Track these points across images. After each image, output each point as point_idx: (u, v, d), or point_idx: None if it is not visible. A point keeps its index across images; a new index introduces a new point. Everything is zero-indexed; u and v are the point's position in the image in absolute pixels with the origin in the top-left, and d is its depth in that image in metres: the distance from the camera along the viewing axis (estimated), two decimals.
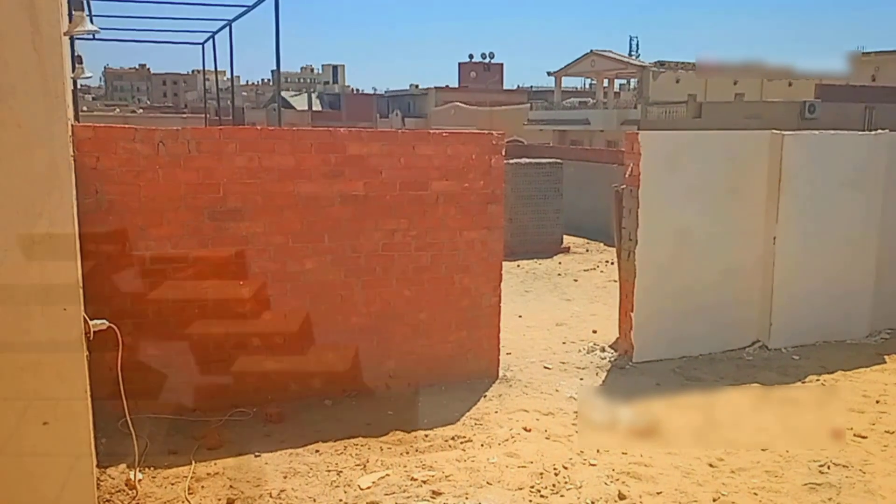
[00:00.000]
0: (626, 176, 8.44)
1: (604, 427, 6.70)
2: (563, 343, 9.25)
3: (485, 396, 7.34)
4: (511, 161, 15.34)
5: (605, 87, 53.93)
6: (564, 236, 16.30)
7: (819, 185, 9.03)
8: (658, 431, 6.50)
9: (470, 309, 7.63)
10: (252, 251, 6.75)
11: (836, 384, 7.92)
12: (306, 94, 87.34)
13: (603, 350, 8.84)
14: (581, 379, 7.96)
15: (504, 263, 13.35)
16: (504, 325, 9.32)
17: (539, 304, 11.35)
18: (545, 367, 8.28)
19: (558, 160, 15.88)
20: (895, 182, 9.48)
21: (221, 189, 6.59)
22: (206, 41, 19.24)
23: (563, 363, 8.43)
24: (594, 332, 9.74)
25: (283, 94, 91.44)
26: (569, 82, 68.23)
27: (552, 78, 56.06)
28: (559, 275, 13.52)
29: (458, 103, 60.99)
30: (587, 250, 15.94)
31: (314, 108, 77.56)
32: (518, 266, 14.06)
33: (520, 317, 10.41)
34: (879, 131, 9.42)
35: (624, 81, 63.08)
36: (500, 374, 7.91)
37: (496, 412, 6.94)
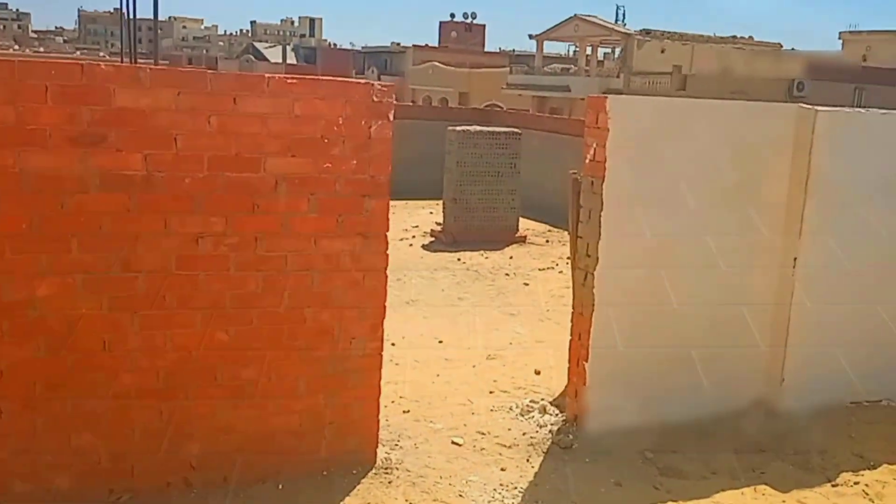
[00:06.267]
0: (587, 162, 5.66)
1: None
2: (491, 393, 6.51)
3: None
4: (457, 128, 12.52)
5: (588, 55, 51.54)
6: (522, 221, 13.52)
7: (861, 188, 6.30)
8: None
9: (331, 361, 4.86)
10: None
11: (883, 490, 5.26)
12: (281, 47, 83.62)
13: (544, 411, 6.12)
14: (503, 470, 5.23)
15: (441, 255, 10.44)
16: (414, 358, 6.67)
17: (472, 319, 8.59)
18: (453, 443, 5.54)
19: (516, 130, 13.00)
20: None
21: None
22: None
23: (482, 435, 5.70)
24: (537, 372, 7.02)
25: (258, 45, 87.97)
26: (552, 48, 65.47)
27: (534, 42, 53.24)
28: (507, 275, 10.73)
29: (436, 63, 58.29)
30: (547, 241, 13.16)
31: (289, 62, 74.42)
32: (458, 260, 11.26)
33: (440, 342, 7.67)
34: None
35: (608, 50, 60.60)
36: (381, 456, 5.19)
37: None
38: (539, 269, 11.13)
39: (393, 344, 7.37)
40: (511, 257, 11.82)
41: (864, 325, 6.56)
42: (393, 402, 6.10)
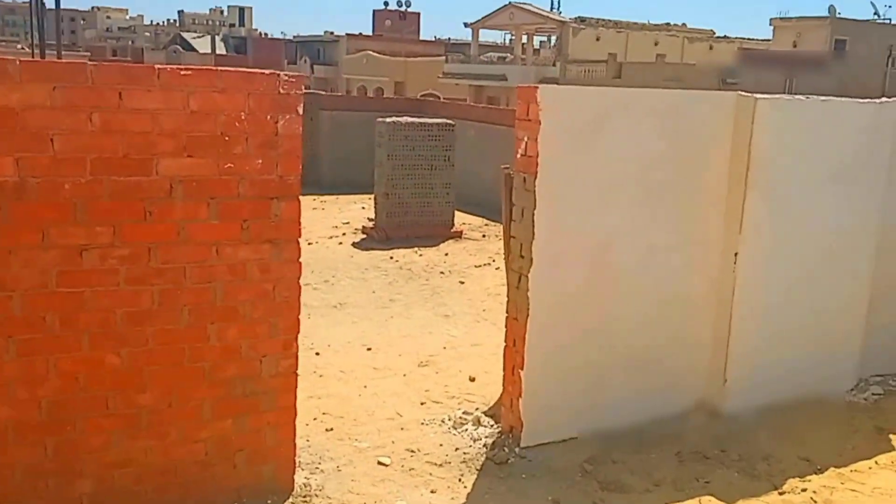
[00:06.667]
0: (518, 157, 5.28)
1: None
2: (422, 404, 6.11)
3: None
4: (387, 119, 12.06)
5: (523, 44, 51.33)
6: (458, 215, 13.13)
7: (802, 179, 6.06)
8: None
9: (239, 382, 4.40)
10: None
11: (832, 497, 5.02)
12: (210, 37, 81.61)
13: (478, 423, 5.74)
14: (433, 492, 4.83)
15: (373, 254, 10.03)
16: (339, 368, 6.25)
17: (404, 322, 8.17)
18: (380, 464, 5.13)
19: (449, 121, 12.57)
20: None
21: None
22: None
23: (411, 453, 5.29)
24: (472, 379, 6.64)
25: (186, 35, 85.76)
26: (487, 36, 65.31)
27: (470, 30, 52.86)
28: (442, 273, 10.32)
29: (370, 52, 57.52)
30: (484, 235, 12.78)
31: (218, 52, 72.78)
32: (391, 258, 10.79)
33: (369, 349, 7.23)
34: (885, 99, 6.49)
35: (544, 38, 60.61)
36: (299, 482, 4.75)
37: None
38: (475, 266, 10.75)
39: (317, 353, 6.95)
40: (446, 254, 11.41)
41: (807, 320, 6.34)
42: (315, 419, 5.67)
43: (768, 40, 49.68)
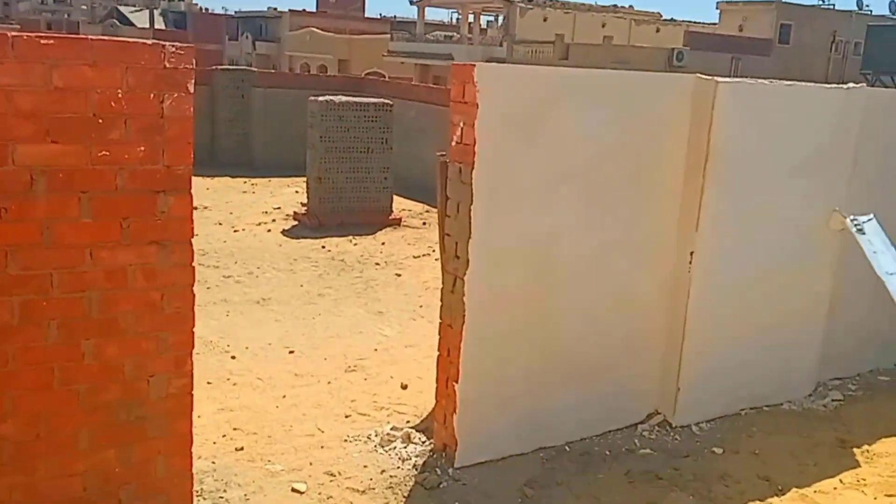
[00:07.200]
0: (453, 144, 4.68)
1: None
2: (347, 417, 5.50)
3: None
4: (319, 98, 11.34)
5: (470, 23, 50.69)
6: (397, 201, 12.49)
7: (765, 171, 5.59)
8: None
9: (122, 407, 3.74)
10: None
11: None
12: (149, 11, 79.14)
13: (408, 440, 5.16)
14: None
15: (304, 242, 9.36)
16: (257, 375, 5.65)
17: (333, 320, 7.52)
18: (294, 491, 4.52)
19: (387, 101, 11.88)
20: (867, 166, 6.18)
21: None
22: None
23: (331, 477, 4.69)
24: (403, 387, 6.06)
25: (124, 9, 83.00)
26: (434, 14, 64.55)
27: (416, 8, 52.02)
28: (377, 264, 9.68)
29: (314, 29, 56.30)
30: (424, 223, 12.15)
31: (157, 27, 70.62)
32: (323, 248, 10.10)
33: (291, 352, 6.59)
34: (852, 85, 6.04)
35: (491, 18, 60.04)
36: None
37: None
38: (414, 257, 10.13)
39: (233, 357, 6.31)
40: (383, 243, 10.76)
41: (766, 322, 5.91)
42: (224, 435, 5.04)
43: (714, 24, 49.87)
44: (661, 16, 56.23)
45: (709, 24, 53.11)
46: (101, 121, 3.41)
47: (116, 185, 3.51)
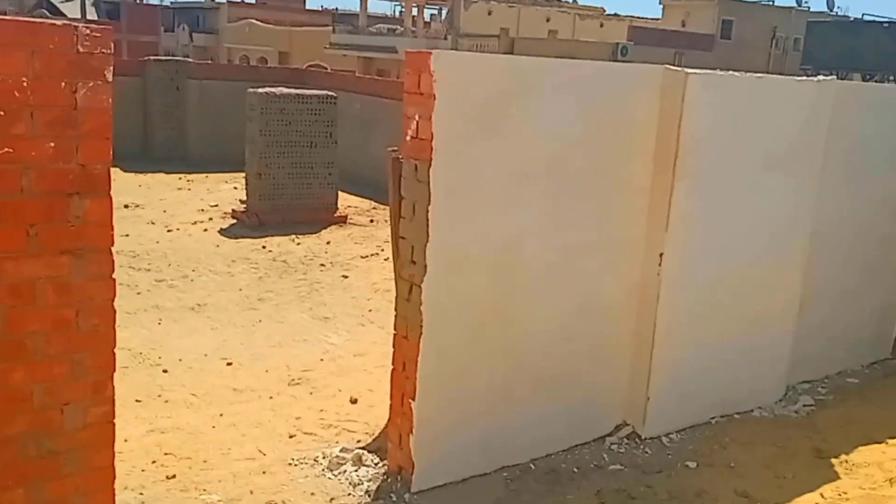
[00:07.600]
0: (407, 140, 4.24)
1: None
2: (292, 437, 5.04)
3: None
4: (259, 90, 10.78)
5: (414, 15, 50.14)
6: (343, 197, 11.98)
7: (736, 168, 5.29)
8: None
9: (32, 440, 3.23)
10: None
11: None
12: (80, 1, 76.85)
13: (359, 462, 4.71)
14: None
15: (243, 242, 8.84)
16: (191, 390, 5.14)
17: (275, 328, 7.03)
18: None
19: (332, 93, 11.36)
20: (836, 161, 5.92)
21: None
22: None
23: None
24: (353, 401, 5.61)
25: None
26: (377, 7, 63.81)
27: (358, 0, 51.32)
28: (322, 265, 9.18)
29: (253, 20, 55.16)
30: (372, 220, 11.68)
31: (89, 17, 68.57)
32: (263, 248, 9.56)
33: (229, 364, 6.09)
34: (822, 77, 5.77)
35: (435, 11, 59.55)
36: None
37: None
38: (361, 257, 9.65)
39: (165, 370, 5.80)
40: (328, 242, 10.25)
41: (736, 326, 5.64)
42: (154, 461, 4.55)
43: (658, 19, 50.20)
44: (605, 11, 56.39)
45: (652, 19, 53.47)
46: (2, 113, 2.90)
47: (22, 187, 3.00)
